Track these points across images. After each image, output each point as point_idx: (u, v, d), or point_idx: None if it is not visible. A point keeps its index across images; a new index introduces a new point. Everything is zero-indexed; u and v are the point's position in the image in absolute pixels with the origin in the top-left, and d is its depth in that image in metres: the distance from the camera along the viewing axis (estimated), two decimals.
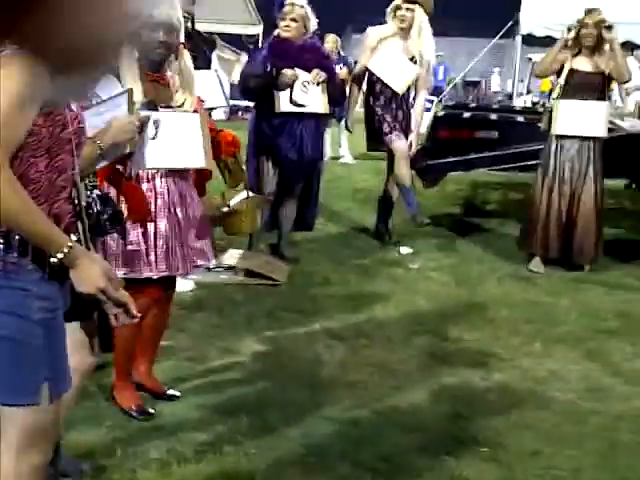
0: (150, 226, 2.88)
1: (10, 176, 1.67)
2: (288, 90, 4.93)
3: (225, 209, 3.27)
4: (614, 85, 8.55)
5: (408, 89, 5.61)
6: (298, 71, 4.94)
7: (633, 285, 5.16)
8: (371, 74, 5.58)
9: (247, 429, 2.97)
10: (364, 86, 5.77)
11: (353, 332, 4.05)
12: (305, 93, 4.97)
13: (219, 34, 11.82)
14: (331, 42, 9.37)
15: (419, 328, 4.15)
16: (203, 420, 3.03)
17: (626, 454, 2.92)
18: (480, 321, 4.31)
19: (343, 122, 10.21)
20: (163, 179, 2.91)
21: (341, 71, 8.78)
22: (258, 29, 17.64)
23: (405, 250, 5.66)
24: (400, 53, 5.41)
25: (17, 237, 1.76)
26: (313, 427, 3.01)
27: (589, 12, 5.27)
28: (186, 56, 2.98)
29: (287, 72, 4.89)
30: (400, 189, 5.63)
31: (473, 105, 7.36)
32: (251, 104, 5.53)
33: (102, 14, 0.58)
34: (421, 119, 5.78)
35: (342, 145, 10.49)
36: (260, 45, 16.46)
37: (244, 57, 14.48)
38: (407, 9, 5.36)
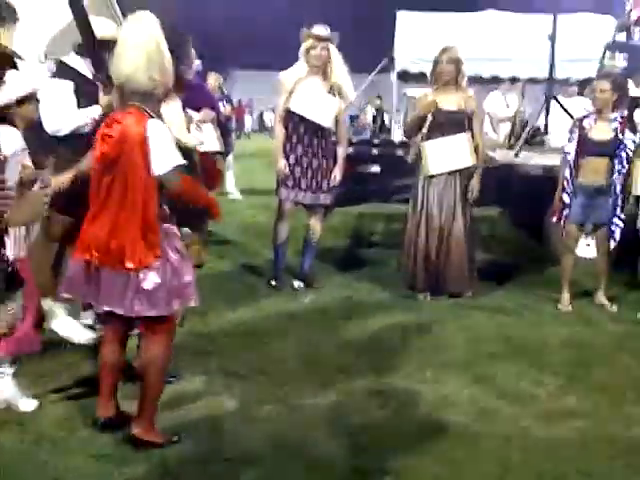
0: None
1: None
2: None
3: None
4: (486, 117, 9.03)
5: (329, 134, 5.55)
6: (189, 111, 4.96)
7: (510, 308, 5.44)
8: (292, 117, 5.45)
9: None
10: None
11: (251, 369, 4.07)
12: (200, 132, 5.00)
13: None
14: (213, 80, 9.43)
15: (317, 362, 4.22)
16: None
17: (517, 473, 3.10)
18: (376, 351, 4.43)
19: (229, 158, 10.33)
20: None
21: (225, 108, 8.90)
22: None
23: (297, 284, 5.74)
24: (319, 89, 5.41)
25: None
26: (214, 467, 3.02)
27: (444, 50, 5.47)
28: None
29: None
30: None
31: (356, 140, 7.59)
32: None
33: None
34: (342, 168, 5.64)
35: (229, 181, 10.51)
36: None
37: None
38: (322, 48, 5.40)
